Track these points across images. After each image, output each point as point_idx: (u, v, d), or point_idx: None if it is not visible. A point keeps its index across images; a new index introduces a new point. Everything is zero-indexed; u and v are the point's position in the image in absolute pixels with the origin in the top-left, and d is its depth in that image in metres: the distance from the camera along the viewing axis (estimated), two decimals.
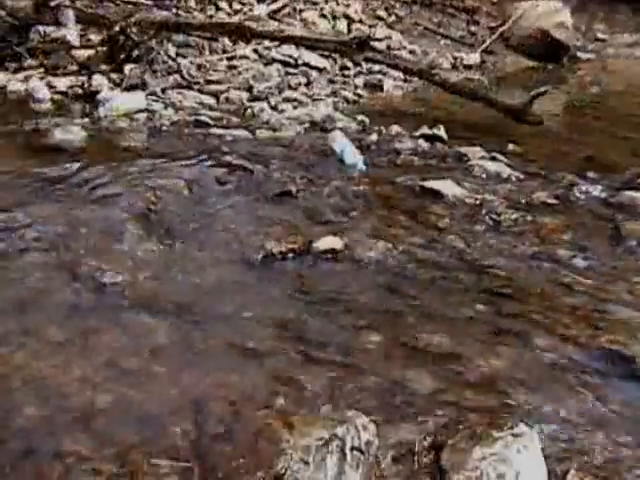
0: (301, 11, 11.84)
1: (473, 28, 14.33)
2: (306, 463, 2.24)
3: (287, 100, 8.35)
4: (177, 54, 9.10)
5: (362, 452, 2.32)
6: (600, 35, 15.35)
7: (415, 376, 2.83)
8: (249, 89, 8.54)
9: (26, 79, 7.73)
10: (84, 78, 7.86)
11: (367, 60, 9.06)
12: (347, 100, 9.05)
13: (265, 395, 2.66)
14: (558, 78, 12.23)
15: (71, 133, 5.88)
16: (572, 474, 2.38)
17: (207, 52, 9.58)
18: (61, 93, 7.65)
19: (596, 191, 5.18)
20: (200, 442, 2.40)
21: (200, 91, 8.23)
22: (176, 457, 2.32)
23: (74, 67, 8.20)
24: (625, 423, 2.64)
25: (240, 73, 9.15)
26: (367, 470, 2.30)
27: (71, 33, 8.44)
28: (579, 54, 14.01)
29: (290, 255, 3.84)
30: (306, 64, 9.86)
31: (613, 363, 2.98)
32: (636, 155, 6.75)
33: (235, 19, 9.93)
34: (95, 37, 8.80)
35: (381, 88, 9.88)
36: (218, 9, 10.95)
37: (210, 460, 2.32)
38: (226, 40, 9.77)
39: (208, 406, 2.57)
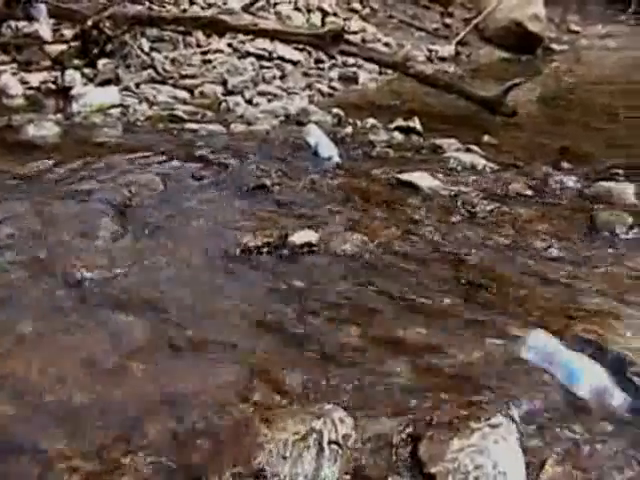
0: (275, 4, 11.82)
1: (447, 20, 14.40)
2: (284, 458, 2.24)
3: (262, 94, 8.35)
4: (151, 48, 9.09)
5: (340, 445, 2.32)
6: (573, 27, 15.46)
7: (392, 369, 2.83)
8: (223, 83, 8.54)
9: None
10: (57, 73, 7.83)
11: (342, 53, 9.07)
12: (322, 93, 9.07)
13: (243, 390, 2.65)
14: (532, 70, 12.29)
15: (44, 129, 5.86)
16: (549, 464, 2.39)
17: (181, 46, 9.57)
18: (34, 88, 7.62)
19: (571, 182, 5.21)
20: (178, 438, 2.39)
21: (174, 86, 8.22)
22: (154, 453, 2.31)
23: (47, 62, 8.18)
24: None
25: (214, 67, 9.14)
26: (345, 463, 2.30)
27: (43, 28, 8.40)
28: (553, 46, 14.11)
29: (266, 249, 3.83)
30: (281, 57, 9.88)
31: (588, 353, 3.00)
32: (610, 146, 6.79)
33: (209, 13, 9.91)
34: (68, 32, 8.76)
35: (356, 81, 9.93)
36: (192, 3, 10.92)
37: (188, 456, 2.31)
38: (200, 34, 9.75)
39: (186, 402, 2.56)
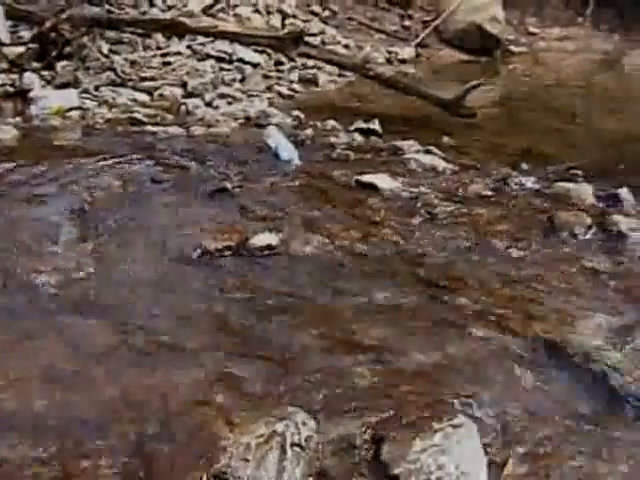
0: (235, 6, 11.79)
1: (407, 22, 14.43)
2: (246, 461, 2.24)
3: (222, 96, 8.33)
4: (110, 51, 9.03)
5: (302, 448, 2.32)
6: (532, 29, 15.53)
7: (354, 370, 2.83)
8: (183, 85, 8.52)
9: None
10: (15, 76, 7.75)
11: (301, 55, 9.06)
12: (282, 95, 9.06)
13: (204, 393, 2.64)
14: (491, 71, 12.36)
15: (2, 132, 5.81)
16: (511, 463, 2.40)
17: (140, 49, 9.50)
18: None
19: (530, 183, 5.25)
20: (140, 442, 2.37)
21: (134, 88, 8.17)
22: (116, 458, 2.30)
23: (4, 65, 8.08)
24: (560, 411, 2.68)
25: (174, 69, 9.10)
26: (308, 466, 2.30)
27: (0, 30, 8.30)
28: (512, 47, 14.17)
29: (227, 252, 3.82)
30: (240, 60, 9.84)
31: (547, 352, 3.03)
32: (568, 147, 6.86)
33: (168, 15, 9.88)
34: (26, 34, 8.67)
35: (316, 83, 9.91)
36: (151, 5, 10.86)
37: (150, 460, 2.30)
38: (159, 36, 9.70)
39: (147, 406, 2.55)
